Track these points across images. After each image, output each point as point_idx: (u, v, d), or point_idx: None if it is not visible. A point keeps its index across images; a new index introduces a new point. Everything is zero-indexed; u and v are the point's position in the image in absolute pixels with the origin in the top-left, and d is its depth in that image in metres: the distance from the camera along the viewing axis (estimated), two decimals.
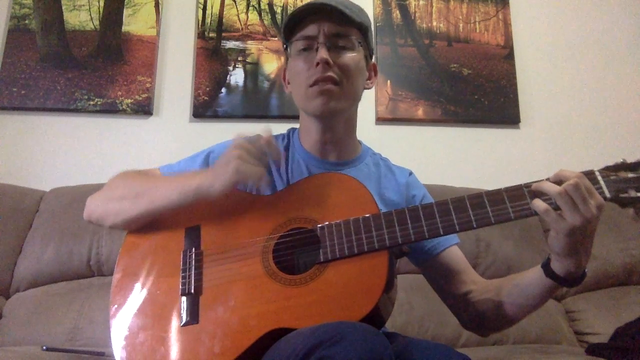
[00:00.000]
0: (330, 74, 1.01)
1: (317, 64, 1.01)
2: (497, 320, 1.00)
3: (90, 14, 2.19)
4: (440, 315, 1.66)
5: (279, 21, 2.25)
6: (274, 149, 0.96)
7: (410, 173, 1.19)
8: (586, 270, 0.87)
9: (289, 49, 1.08)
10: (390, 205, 1.09)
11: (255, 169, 0.91)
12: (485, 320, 1.03)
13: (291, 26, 1.06)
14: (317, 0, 1.02)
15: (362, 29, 1.07)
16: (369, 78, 1.14)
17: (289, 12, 1.07)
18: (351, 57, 1.05)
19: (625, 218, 1.83)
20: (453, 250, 1.09)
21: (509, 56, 2.28)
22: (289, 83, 1.14)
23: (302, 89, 1.05)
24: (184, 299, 0.93)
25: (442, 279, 1.09)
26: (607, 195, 0.81)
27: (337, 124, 1.09)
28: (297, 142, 1.16)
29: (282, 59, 1.10)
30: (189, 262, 0.96)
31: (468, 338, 1.66)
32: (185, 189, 0.95)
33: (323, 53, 1.01)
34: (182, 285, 0.94)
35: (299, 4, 2.25)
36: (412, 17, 2.31)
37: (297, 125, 1.20)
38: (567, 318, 1.77)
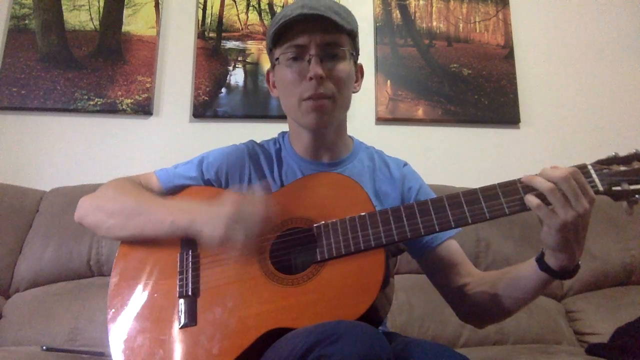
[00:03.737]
0: (323, 90, 1.01)
1: (311, 78, 1.00)
2: (493, 312, 1.01)
3: (90, 14, 2.19)
4: (440, 315, 1.66)
5: None
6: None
7: (405, 164, 1.19)
8: (580, 262, 0.87)
9: (278, 57, 1.05)
10: (385, 199, 1.10)
11: (242, 235, 0.88)
12: (482, 312, 1.03)
13: (280, 32, 1.03)
14: (305, 10, 0.99)
15: (352, 34, 1.07)
16: (356, 81, 1.13)
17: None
18: (343, 67, 1.04)
19: (624, 217, 1.84)
20: (450, 243, 1.09)
21: (509, 56, 2.28)
22: (274, 87, 1.13)
23: (294, 101, 1.04)
24: (181, 301, 0.93)
25: (439, 271, 1.10)
26: (600, 188, 0.81)
27: (328, 131, 1.10)
28: (288, 145, 1.16)
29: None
30: (186, 264, 0.96)
31: (468, 338, 1.66)
32: (174, 225, 0.95)
33: (317, 69, 0.99)
34: (179, 288, 0.94)
35: None
36: (412, 17, 2.31)
37: None
38: (567, 318, 1.77)
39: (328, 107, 1.03)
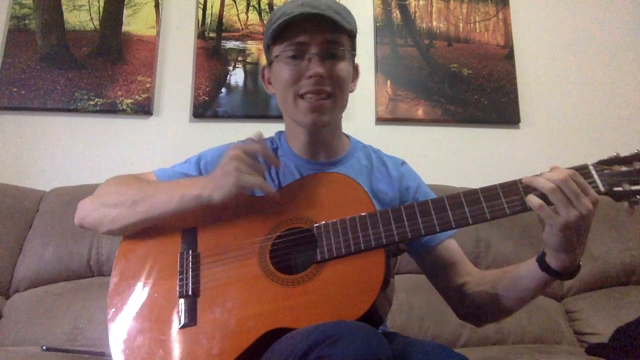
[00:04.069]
0: (322, 87, 1.01)
1: (310, 77, 1.00)
2: (492, 311, 1.01)
3: (90, 14, 2.19)
4: (440, 315, 1.66)
5: None
6: (269, 155, 0.98)
7: (403, 163, 1.19)
8: (581, 263, 0.87)
9: (278, 54, 1.04)
10: (383, 198, 1.10)
11: (254, 179, 0.91)
12: (481, 312, 1.03)
13: (280, 30, 1.02)
14: (306, 9, 0.99)
15: (351, 34, 1.07)
16: (352, 80, 1.13)
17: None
18: (342, 67, 1.04)
19: (624, 217, 1.84)
20: (449, 242, 1.09)
21: (509, 56, 2.28)
22: (269, 83, 1.12)
23: (290, 97, 1.04)
24: (181, 301, 0.92)
25: (438, 270, 1.10)
26: (601, 189, 0.81)
27: (324, 130, 1.10)
28: (285, 145, 1.16)
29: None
30: (186, 264, 0.96)
31: (468, 338, 1.66)
32: (184, 197, 0.95)
33: (318, 67, 1.00)
34: (179, 288, 0.94)
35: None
36: (412, 17, 2.31)
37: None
38: (567, 318, 1.77)
39: (327, 106, 1.03)
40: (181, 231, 1.00)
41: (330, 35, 1.02)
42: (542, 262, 0.87)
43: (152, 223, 1.00)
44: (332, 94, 1.02)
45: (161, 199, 0.97)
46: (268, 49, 1.09)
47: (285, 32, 1.02)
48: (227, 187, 0.91)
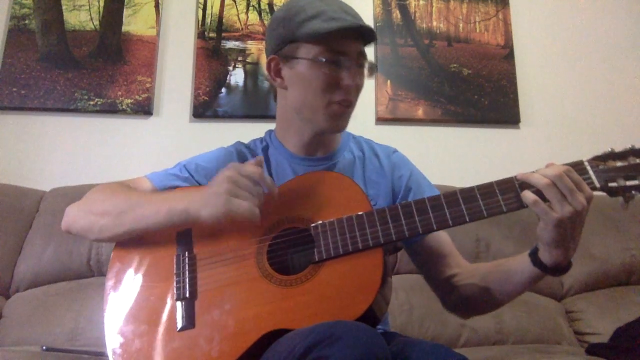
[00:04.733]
0: (351, 97, 1.03)
1: (347, 86, 1.00)
2: (481, 304, 1.02)
3: (90, 14, 2.19)
4: (440, 315, 1.66)
5: None
6: (267, 182, 0.92)
7: (394, 151, 1.19)
8: (572, 260, 0.87)
9: (314, 54, 1.00)
10: (377, 188, 1.10)
11: (243, 206, 0.86)
12: (470, 304, 1.04)
13: (327, 34, 0.97)
14: (350, 18, 0.99)
15: None
16: None
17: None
18: (364, 78, 1.07)
19: (624, 218, 1.83)
20: (439, 234, 1.09)
21: (509, 56, 2.28)
22: (278, 77, 1.07)
23: (320, 101, 1.02)
24: (179, 304, 0.92)
25: (427, 261, 1.10)
26: (597, 185, 0.81)
27: None
28: (277, 142, 1.15)
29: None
30: (182, 266, 0.96)
31: (468, 338, 1.66)
32: (172, 212, 0.92)
33: (359, 80, 1.02)
34: (176, 290, 0.93)
35: None
36: (412, 17, 2.31)
37: None
38: (567, 318, 1.77)
39: (348, 114, 1.06)
40: (176, 233, 0.99)
41: (363, 46, 1.04)
42: (534, 257, 0.88)
43: (140, 234, 0.98)
44: (353, 103, 1.05)
45: (148, 211, 0.95)
46: (292, 43, 1.02)
47: (330, 37, 0.99)
48: (215, 207, 0.87)
